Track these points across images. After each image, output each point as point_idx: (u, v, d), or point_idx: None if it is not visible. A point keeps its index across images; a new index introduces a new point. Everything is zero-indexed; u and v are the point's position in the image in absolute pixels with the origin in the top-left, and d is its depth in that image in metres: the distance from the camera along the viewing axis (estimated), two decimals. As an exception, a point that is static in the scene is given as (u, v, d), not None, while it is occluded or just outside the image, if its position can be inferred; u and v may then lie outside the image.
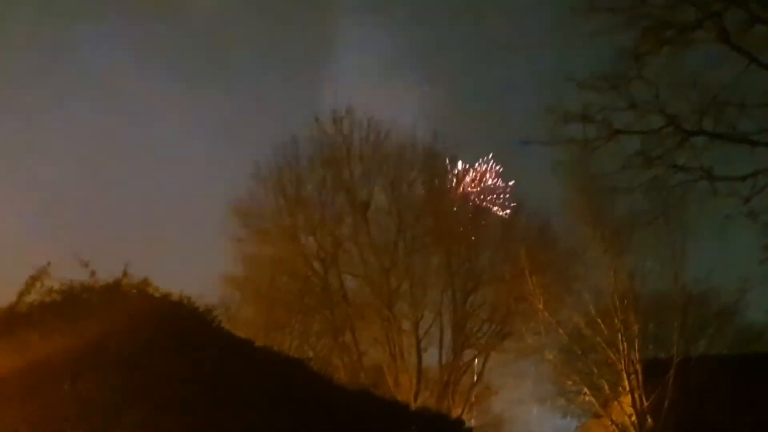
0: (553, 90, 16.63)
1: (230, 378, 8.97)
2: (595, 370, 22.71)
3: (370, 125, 32.36)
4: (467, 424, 20.69)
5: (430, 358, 31.86)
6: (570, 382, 23.95)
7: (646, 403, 21.10)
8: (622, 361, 21.55)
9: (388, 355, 31.40)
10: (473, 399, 32.88)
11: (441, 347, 31.80)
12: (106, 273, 7.83)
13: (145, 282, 7.97)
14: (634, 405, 21.29)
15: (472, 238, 32.82)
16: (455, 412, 27.98)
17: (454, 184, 33.79)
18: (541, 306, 23.18)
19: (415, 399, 28.54)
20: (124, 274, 7.74)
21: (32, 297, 6.92)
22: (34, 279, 6.89)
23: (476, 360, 32.59)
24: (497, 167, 35.22)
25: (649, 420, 20.82)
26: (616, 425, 21.80)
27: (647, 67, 15.35)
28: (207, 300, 9.45)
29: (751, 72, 14.78)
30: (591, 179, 19.76)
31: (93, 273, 7.37)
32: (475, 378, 32.66)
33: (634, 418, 21.18)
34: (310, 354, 28.34)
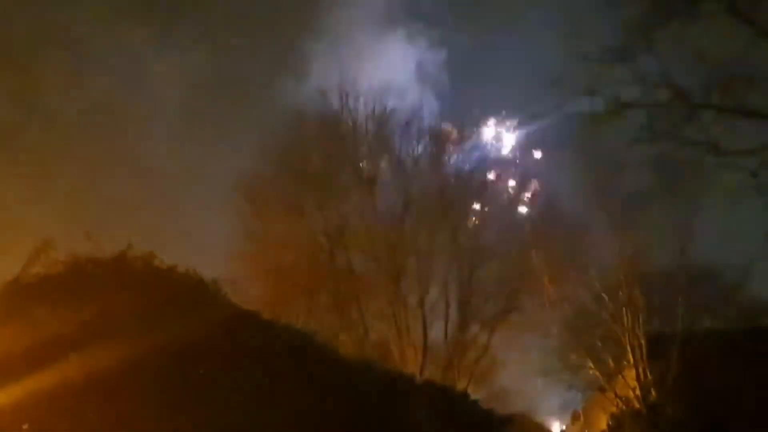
0: (561, 63, 16.51)
1: (236, 349, 9.02)
2: (600, 345, 22.77)
3: (375, 100, 32.27)
4: (472, 397, 20.82)
5: (436, 332, 32.00)
6: (574, 356, 24.02)
7: (650, 377, 21.18)
8: (627, 336, 21.59)
9: (394, 329, 31.52)
10: (478, 373, 33.03)
11: (447, 322, 31.92)
12: (111, 246, 7.86)
13: (151, 255, 7.98)
14: (638, 378, 21.35)
15: (480, 208, 32.73)
16: (460, 386, 28.13)
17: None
18: (546, 281, 23.18)
19: (421, 373, 28.68)
20: (129, 246, 7.75)
21: (37, 269, 6.93)
22: (38, 251, 6.89)
23: (481, 334, 32.68)
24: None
25: (653, 393, 20.91)
26: (620, 398, 21.89)
27: (655, 40, 15.25)
28: (213, 274, 9.49)
29: (759, 45, 14.67)
30: (598, 154, 19.71)
31: (98, 245, 7.39)
32: (481, 352, 32.77)
33: (638, 391, 21.27)
34: (317, 328, 28.42)
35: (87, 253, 7.33)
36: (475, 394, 26.42)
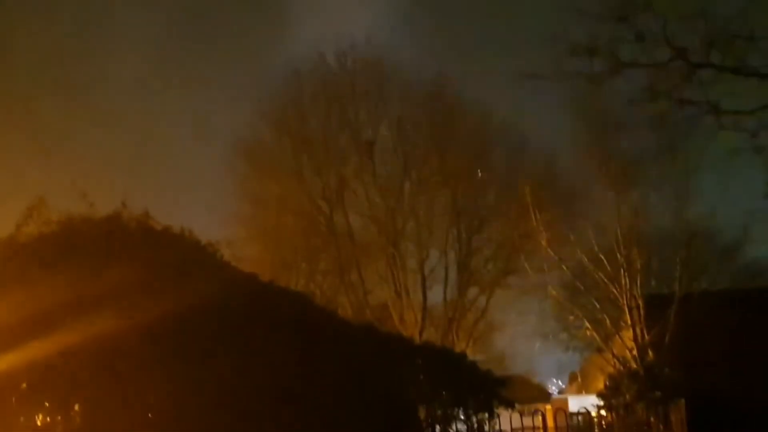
0: (560, 21, 16.27)
1: (234, 310, 9.03)
2: (598, 306, 22.86)
3: (374, 61, 31.99)
4: (471, 359, 20.96)
5: (435, 295, 32.13)
6: (572, 318, 24.14)
7: (647, 338, 21.29)
8: (624, 297, 21.66)
9: (394, 293, 31.65)
10: (477, 335, 33.26)
11: (446, 285, 32.03)
12: (106, 207, 7.84)
13: (145, 215, 7.96)
14: (635, 339, 21.48)
15: (479, 173, 32.64)
16: (459, 348, 28.32)
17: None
18: (545, 243, 23.21)
19: (420, 335, 28.87)
20: (124, 206, 7.72)
21: (30, 228, 6.90)
22: (31, 210, 6.87)
23: (480, 297, 32.83)
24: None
25: (650, 354, 21.05)
26: (618, 359, 22.04)
27: (656, -3, 15.03)
28: (210, 237, 9.45)
29: (760, 3, 14.48)
30: (597, 114, 19.58)
31: (92, 205, 7.36)
32: (479, 315, 32.95)
33: (635, 352, 21.41)
34: (317, 292, 28.55)
35: (81, 212, 7.31)
36: (473, 356, 26.63)
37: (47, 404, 6.69)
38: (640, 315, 21.55)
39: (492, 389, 17.77)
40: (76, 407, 6.91)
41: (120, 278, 6.94)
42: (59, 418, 6.87)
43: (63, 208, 7.22)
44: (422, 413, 16.33)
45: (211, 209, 31.46)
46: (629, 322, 21.67)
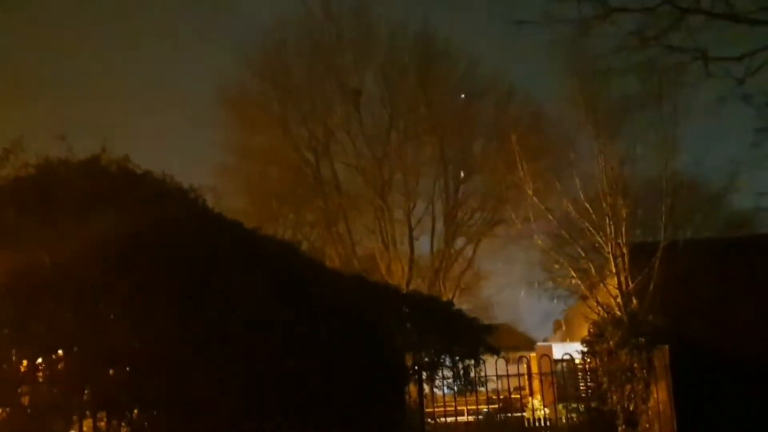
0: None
1: (217, 258, 8.97)
2: (583, 254, 22.95)
3: (360, 8, 31.56)
4: (457, 307, 21.12)
5: (422, 246, 32.39)
6: (558, 266, 24.26)
7: (631, 285, 21.44)
8: (609, 245, 21.75)
9: (381, 243, 31.84)
10: (464, 285, 33.57)
11: (433, 235, 32.28)
12: (85, 150, 7.68)
13: (126, 158, 7.81)
14: (620, 287, 21.62)
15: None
16: (446, 297, 28.56)
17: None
18: (531, 192, 23.19)
19: (407, 285, 29.10)
20: (103, 150, 7.58)
21: (6, 171, 6.76)
22: (6, 152, 6.71)
23: (467, 247, 33.04)
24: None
25: (634, 301, 21.21)
26: (602, 306, 22.23)
27: (645, -60, 14.81)
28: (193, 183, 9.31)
29: (751, -53, 14.28)
30: (584, 62, 19.39)
31: (70, 148, 7.21)
32: (466, 265, 33.20)
33: (619, 299, 21.56)
34: (304, 243, 28.57)
35: (59, 155, 7.17)
36: (460, 304, 26.86)
37: (29, 350, 6.61)
38: (624, 263, 21.65)
39: (478, 336, 17.98)
40: (59, 352, 6.85)
41: (100, 221, 6.82)
42: (43, 364, 6.82)
43: (41, 152, 7.04)
44: (409, 360, 16.52)
45: (195, 160, 31.32)
46: (614, 270, 21.78)
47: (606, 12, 15.52)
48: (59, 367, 6.88)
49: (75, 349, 6.76)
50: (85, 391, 6.94)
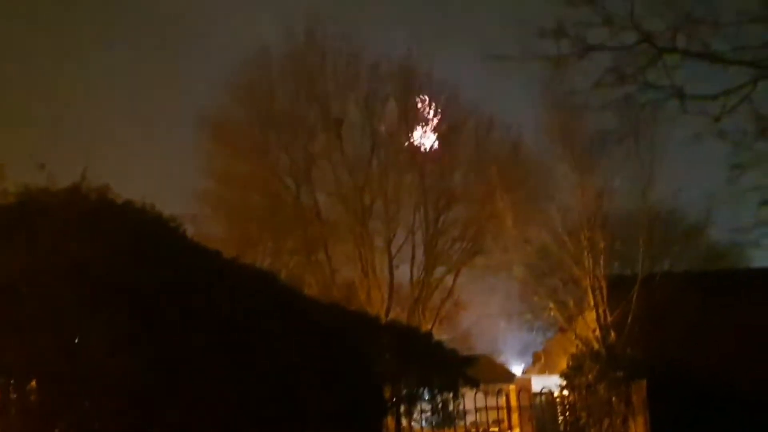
0: (528, 3, 16.28)
1: (196, 287, 8.94)
2: (561, 286, 23.10)
3: (343, 36, 31.75)
4: (436, 338, 21.09)
5: (402, 275, 32.26)
6: (536, 298, 24.37)
7: (610, 318, 21.57)
8: (588, 278, 21.91)
9: (360, 272, 31.70)
10: (443, 315, 33.49)
11: (413, 264, 32.16)
12: (65, 179, 7.67)
13: (106, 187, 7.81)
14: (598, 320, 21.75)
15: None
16: (425, 327, 28.49)
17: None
18: (510, 223, 23.34)
19: (387, 314, 28.97)
20: (83, 178, 7.57)
21: (-14, 199, 6.73)
22: (-13, 180, 6.69)
23: (447, 277, 33.03)
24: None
25: (612, 334, 21.35)
26: (580, 339, 22.32)
27: (623, -20, 15.08)
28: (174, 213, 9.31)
29: (726, -12, 14.59)
30: (563, 97, 19.66)
31: (50, 176, 7.20)
32: (446, 294, 33.16)
33: (597, 332, 21.68)
34: (283, 270, 28.45)
35: (40, 183, 7.15)
36: (439, 335, 26.81)
37: (2, 380, 6.54)
38: (602, 296, 21.82)
39: (457, 369, 17.93)
40: (33, 383, 6.78)
41: (79, 250, 6.80)
42: (14, 396, 6.74)
43: (21, 180, 7.03)
44: (387, 392, 16.42)
45: (175, 185, 31.15)
46: (592, 303, 21.93)
47: (584, 49, 15.74)
48: (32, 398, 6.82)
49: (50, 378, 6.70)
50: (60, 423, 6.87)
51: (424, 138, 32.52)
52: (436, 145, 32.63)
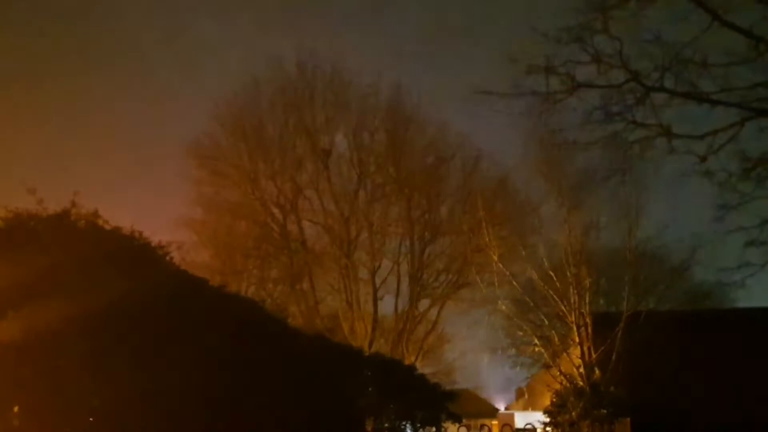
0: (517, 40, 16.48)
1: (181, 313, 8.87)
2: (546, 322, 23.09)
3: (333, 71, 31.98)
4: (419, 372, 20.99)
5: (386, 306, 32.16)
6: (521, 333, 24.35)
7: (594, 355, 21.56)
8: (573, 314, 21.92)
9: (345, 302, 31.57)
10: (427, 347, 33.32)
11: (397, 296, 32.10)
12: (55, 205, 7.62)
13: (95, 214, 7.76)
14: (582, 357, 21.73)
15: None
16: (409, 360, 28.34)
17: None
18: (496, 257, 23.38)
19: (370, 346, 28.80)
20: (73, 204, 7.52)
21: (-24, 223, 6.66)
22: (-23, 204, 6.63)
23: (431, 309, 32.93)
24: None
25: (597, 372, 21.31)
26: (565, 376, 22.26)
27: (612, 20, 15.30)
28: (161, 239, 9.27)
29: (714, 30, 14.81)
30: (551, 133, 19.79)
31: (40, 201, 7.14)
32: (430, 327, 33.03)
33: (582, 369, 21.64)
34: (267, 300, 28.28)
35: (29, 209, 7.09)
36: (423, 368, 26.67)
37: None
38: (587, 333, 21.82)
39: (440, 403, 17.83)
40: (15, 409, 6.66)
41: (67, 276, 6.73)
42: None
43: (10, 205, 6.96)
44: (369, 425, 16.27)
45: (162, 212, 31.06)
46: (577, 339, 21.92)
47: (573, 87, 15.93)
48: (14, 424, 6.69)
49: (32, 406, 6.59)
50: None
51: None
52: None
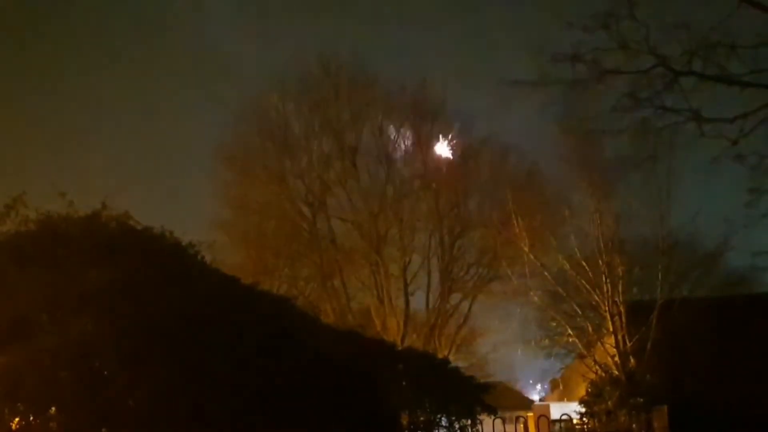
0: (543, 29, 16.38)
1: (214, 313, 8.93)
2: (580, 312, 22.90)
3: (357, 66, 31.99)
4: (453, 365, 20.90)
5: (418, 301, 32.13)
6: (554, 324, 24.16)
7: (629, 344, 21.36)
8: (606, 303, 21.72)
9: (376, 299, 31.59)
10: (459, 341, 33.23)
11: (428, 291, 32.05)
12: (85, 207, 7.72)
13: (126, 215, 7.85)
14: (617, 346, 21.54)
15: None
16: (441, 354, 28.28)
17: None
18: (527, 249, 23.23)
19: (402, 341, 28.80)
20: (104, 206, 7.61)
21: (8, 226, 6.77)
22: (8, 207, 6.73)
23: (462, 303, 32.83)
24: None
25: (632, 360, 21.11)
26: (599, 366, 22.07)
27: (638, 6, 15.15)
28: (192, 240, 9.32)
29: (741, 12, 14.60)
30: (579, 122, 19.63)
31: (71, 203, 7.24)
32: (462, 321, 32.94)
33: (617, 358, 21.45)
34: (299, 298, 28.37)
35: (60, 211, 7.19)
36: (456, 362, 26.59)
37: (22, 407, 6.53)
38: (621, 322, 21.61)
39: (474, 396, 17.73)
40: (53, 410, 6.76)
41: (99, 278, 6.81)
42: (35, 421, 6.71)
43: (42, 207, 7.07)
44: (405, 419, 16.25)
45: (192, 214, 31.33)
46: (611, 328, 21.72)
47: (600, 73, 15.80)
48: (51, 425, 6.79)
49: (70, 408, 6.68)
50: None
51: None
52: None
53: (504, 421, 18.54)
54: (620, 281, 21.70)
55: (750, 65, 15.17)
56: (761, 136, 15.40)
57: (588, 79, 15.84)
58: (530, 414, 28.75)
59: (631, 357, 21.21)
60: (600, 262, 21.86)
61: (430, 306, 32.01)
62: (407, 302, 31.55)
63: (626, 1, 15.08)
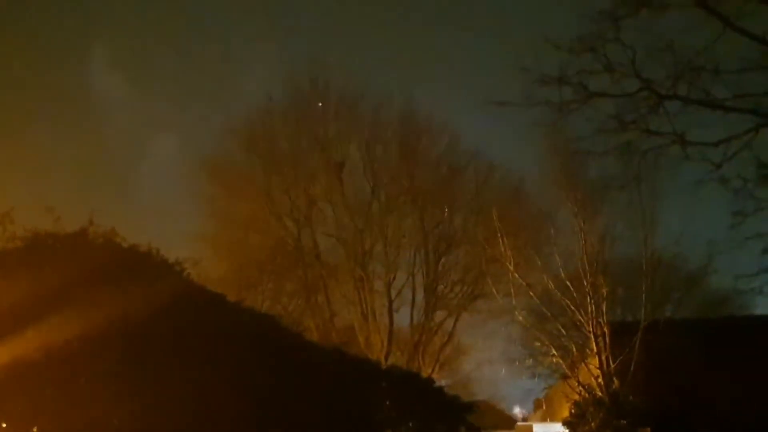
0: (530, 51, 16.52)
1: (199, 329, 8.89)
2: (564, 332, 22.96)
3: (345, 83, 32.08)
4: (437, 384, 20.89)
5: (402, 318, 32.07)
6: (538, 344, 24.21)
7: (612, 365, 21.41)
8: (590, 324, 21.80)
9: (360, 315, 31.51)
10: (443, 359, 33.19)
11: (413, 308, 32.02)
12: (72, 223, 7.67)
13: (112, 232, 7.81)
14: (601, 367, 21.58)
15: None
16: (425, 372, 28.23)
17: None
18: (512, 268, 23.29)
19: (386, 359, 28.73)
20: (90, 222, 7.57)
21: (-5, 243, 6.72)
22: (-4, 224, 6.69)
23: (447, 321, 32.82)
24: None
25: (616, 381, 21.15)
26: (583, 386, 22.11)
27: (624, 30, 15.33)
28: (177, 255, 9.31)
29: (726, 37, 14.79)
30: (565, 142, 19.79)
31: (58, 219, 7.20)
32: (446, 338, 32.91)
33: (600, 379, 21.49)
34: (283, 313, 28.26)
35: (47, 228, 7.15)
36: (439, 380, 26.56)
37: (4, 425, 6.45)
38: (605, 342, 21.68)
39: (458, 415, 17.72)
40: (34, 430, 6.68)
41: (86, 294, 6.76)
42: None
43: (28, 224, 7.02)
44: (388, 438, 16.19)
45: (176, 227, 31.17)
46: (595, 349, 21.77)
47: (586, 96, 15.95)
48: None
49: (53, 426, 6.61)
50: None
51: None
52: None
53: (487, 440, 18.52)
54: (604, 301, 21.80)
55: (734, 90, 15.38)
56: (745, 160, 15.59)
57: (574, 101, 15.99)
58: (513, 434, 28.74)
59: (614, 378, 21.26)
60: (584, 282, 21.95)
61: (415, 323, 31.97)
62: (391, 319, 31.50)
63: (612, 25, 15.24)
